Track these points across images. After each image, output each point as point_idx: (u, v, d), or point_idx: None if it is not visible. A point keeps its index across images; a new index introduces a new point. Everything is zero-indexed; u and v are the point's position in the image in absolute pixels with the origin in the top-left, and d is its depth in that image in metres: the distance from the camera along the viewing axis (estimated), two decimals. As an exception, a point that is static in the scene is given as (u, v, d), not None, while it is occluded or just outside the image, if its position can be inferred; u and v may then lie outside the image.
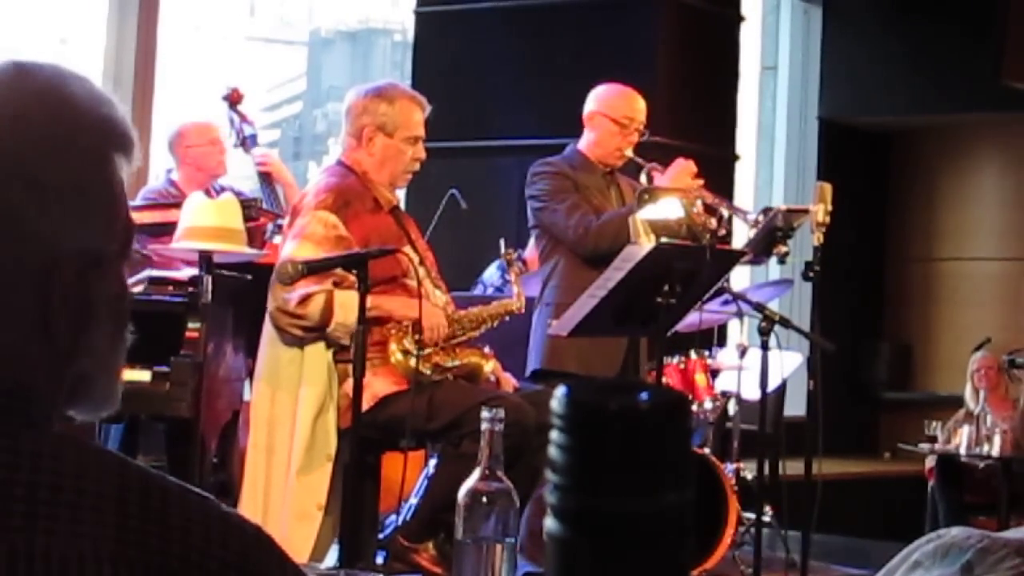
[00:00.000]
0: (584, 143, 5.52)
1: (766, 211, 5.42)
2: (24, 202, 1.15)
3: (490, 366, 4.65)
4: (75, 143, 1.18)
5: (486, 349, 4.66)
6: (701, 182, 5.38)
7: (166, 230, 4.80)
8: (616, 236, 5.16)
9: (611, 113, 5.47)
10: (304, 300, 4.37)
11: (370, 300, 4.16)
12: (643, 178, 5.48)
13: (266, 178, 6.08)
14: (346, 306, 4.31)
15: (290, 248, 4.40)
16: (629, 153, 5.46)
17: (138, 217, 5.22)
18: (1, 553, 1.07)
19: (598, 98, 5.55)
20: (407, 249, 4.57)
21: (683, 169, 5.35)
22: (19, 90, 1.18)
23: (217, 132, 5.95)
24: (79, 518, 1.09)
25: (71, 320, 1.18)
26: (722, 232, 5.47)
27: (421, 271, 4.58)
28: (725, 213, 5.43)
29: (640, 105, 5.51)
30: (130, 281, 1.25)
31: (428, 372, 4.44)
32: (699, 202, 5.28)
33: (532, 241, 5.69)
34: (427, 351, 4.46)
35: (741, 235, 5.58)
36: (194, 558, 1.11)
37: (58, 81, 1.20)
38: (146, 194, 5.99)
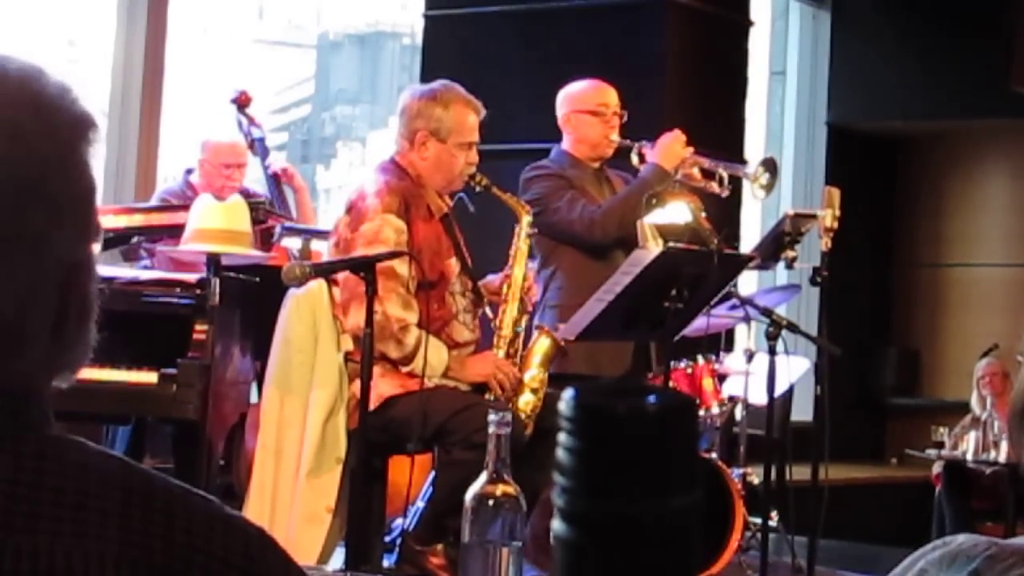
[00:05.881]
0: (568, 144, 5.48)
1: (765, 162, 5.42)
2: (46, 225, 1.16)
3: (548, 338, 4.77)
4: (73, 153, 1.18)
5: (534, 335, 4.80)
6: (692, 150, 5.37)
7: (177, 232, 4.80)
8: (622, 219, 5.15)
9: (582, 106, 5.45)
10: (403, 328, 4.40)
11: (448, 361, 4.51)
12: (635, 158, 5.46)
13: (276, 181, 6.08)
14: (435, 362, 4.47)
15: (362, 254, 4.36)
16: (616, 138, 5.43)
17: (149, 219, 5.27)
18: (5, 555, 1.07)
19: (566, 98, 5.53)
20: (452, 261, 4.59)
21: (672, 139, 5.35)
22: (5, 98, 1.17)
23: (233, 157, 5.90)
24: (83, 520, 1.09)
25: (78, 321, 1.20)
26: (725, 194, 5.48)
27: (458, 286, 4.60)
28: (724, 173, 5.42)
29: (609, 90, 5.48)
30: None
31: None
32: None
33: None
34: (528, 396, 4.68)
35: (747, 240, 5.58)
36: (198, 560, 1.12)
37: (35, 84, 1.18)
38: (162, 195, 6.01)
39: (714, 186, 5.40)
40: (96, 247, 1.22)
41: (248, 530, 1.17)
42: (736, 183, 5.53)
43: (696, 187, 5.37)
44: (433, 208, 4.62)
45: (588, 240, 5.23)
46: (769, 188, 5.36)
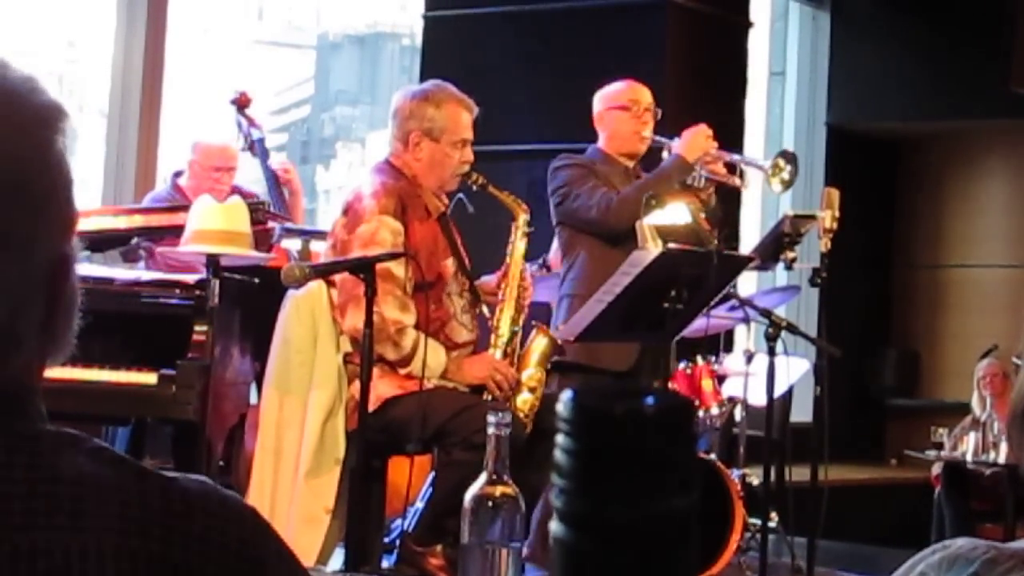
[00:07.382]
0: (602, 141, 5.56)
1: (783, 153, 5.46)
2: (31, 226, 1.14)
3: (545, 337, 4.76)
4: (51, 147, 1.16)
5: (532, 334, 4.78)
6: (716, 144, 5.41)
7: (177, 233, 4.80)
8: (637, 207, 5.17)
9: (614, 102, 5.53)
10: (400, 330, 4.40)
11: (445, 363, 4.50)
12: (665, 154, 5.51)
13: (275, 181, 6.07)
14: (433, 364, 4.45)
15: (359, 255, 4.37)
16: (648, 134, 5.49)
17: (149, 220, 5.27)
18: (3, 552, 1.07)
19: (600, 97, 5.62)
20: (449, 261, 4.59)
21: (697, 132, 5.40)
22: None
23: (223, 161, 5.86)
24: (79, 514, 1.09)
25: (65, 313, 1.20)
26: (745, 188, 5.58)
27: (455, 286, 4.60)
28: (746, 168, 5.50)
29: (641, 88, 5.57)
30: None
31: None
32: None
33: (555, 242, 5.70)
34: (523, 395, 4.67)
35: (748, 240, 5.58)
36: (194, 547, 1.12)
37: (8, 83, 1.16)
38: (150, 202, 5.98)
39: (736, 180, 5.47)
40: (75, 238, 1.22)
41: (243, 513, 1.18)
42: (737, 194, 5.57)
43: (718, 180, 5.40)
44: (430, 208, 4.62)
45: (603, 226, 5.27)
46: (790, 183, 5.36)
